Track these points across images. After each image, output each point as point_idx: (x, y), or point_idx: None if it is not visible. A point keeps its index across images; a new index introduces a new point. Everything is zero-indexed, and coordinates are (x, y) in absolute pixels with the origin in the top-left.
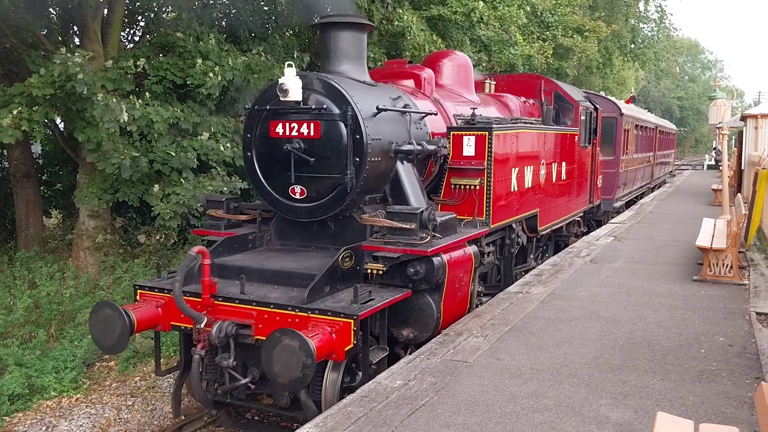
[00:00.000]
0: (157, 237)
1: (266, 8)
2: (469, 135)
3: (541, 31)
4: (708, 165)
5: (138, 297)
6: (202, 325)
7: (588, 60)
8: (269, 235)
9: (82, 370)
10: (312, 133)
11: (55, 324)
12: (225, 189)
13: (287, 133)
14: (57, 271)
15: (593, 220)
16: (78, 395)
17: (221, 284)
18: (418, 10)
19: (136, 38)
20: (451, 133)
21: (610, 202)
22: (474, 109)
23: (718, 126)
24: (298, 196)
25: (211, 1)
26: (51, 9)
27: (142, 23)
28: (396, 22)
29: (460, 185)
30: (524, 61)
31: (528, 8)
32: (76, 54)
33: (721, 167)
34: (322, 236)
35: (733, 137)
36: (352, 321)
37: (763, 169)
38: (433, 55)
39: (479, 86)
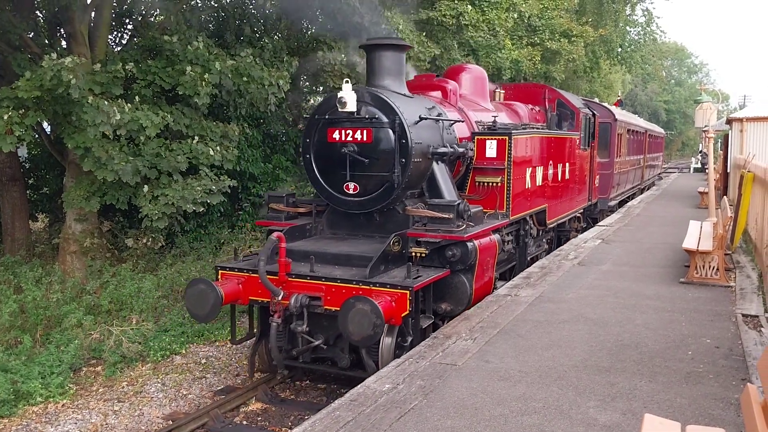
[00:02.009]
0: (145, 241)
1: (254, 11)
2: (492, 139)
3: (528, 36)
4: (694, 168)
5: (219, 276)
6: (280, 298)
7: (575, 64)
8: (321, 225)
9: (69, 375)
10: (365, 139)
11: (41, 329)
12: (214, 188)
13: (343, 139)
14: (43, 275)
15: (590, 217)
16: (64, 401)
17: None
18: (406, 14)
19: (124, 41)
20: (476, 137)
21: (606, 200)
22: (495, 117)
23: (704, 129)
24: (351, 192)
25: (199, 4)
26: (37, 11)
27: (129, 26)
28: (384, 25)
29: (483, 182)
30: (512, 65)
31: (515, 14)
32: (68, 59)
33: (707, 170)
34: (368, 226)
35: (719, 140)
36: (408, 292)
37: (749, 172)
38: (452, 69)
39: (490, 95)
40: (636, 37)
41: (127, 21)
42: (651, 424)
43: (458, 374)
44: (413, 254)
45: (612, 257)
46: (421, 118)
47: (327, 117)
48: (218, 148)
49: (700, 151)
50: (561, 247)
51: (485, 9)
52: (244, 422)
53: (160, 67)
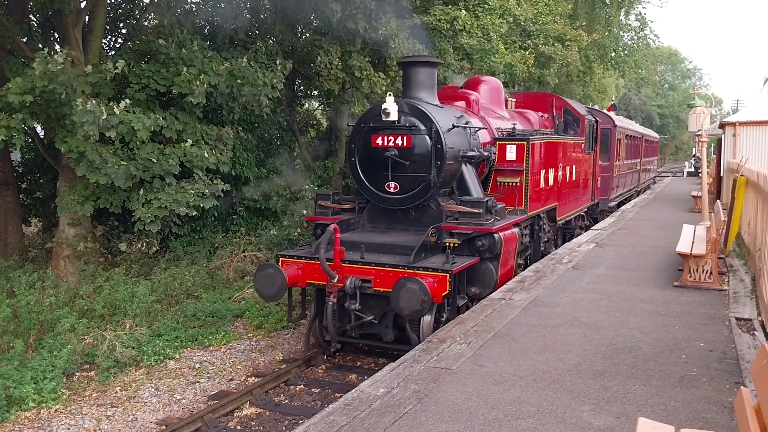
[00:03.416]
0: (139, 245)
1: (249, 16)
2: (511, 144)
3: (522, 40)
4: (688, 172)
5: (280, 263)
6: (336, 281)
7: (569, 68)
8: (362, 220)
9: (62, 380)
10: (404, 144)
11: (34, 334)
12: (207, 192)
13: (385, 144)
14: (37, 280)
15: (591, 216)
16: (57, 406)
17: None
18: (400, 19)
19: (118, 45)
20: (498, 142)
21: (606, 201)
22: (515, 124)
23: (697, 133)
24: (392, 190)
25: (193, 9)
26: (31, 15)
27: (123, 30)
28: (381, 30)
29: (504, 182)
30: (505, 69)
31: (510, 18)
32: (57, 54)
33: (700, 174)
34: (404, 220)
35: (712, 145)
36: (448, 274)
37: (742, 176)
38: (471, 80)
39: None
40: (629, 42)
41: (121, 25)
42: (645, 427)
43: (453, 378)
44: (447, 244)
45: (606, 261)
46: (453, 126)
47: (371, 125)
48: (213, 151)
49: (694, 155)
50: (555, 251)
51: (479, 14)
52: (238, 427)
53: (154, 71)
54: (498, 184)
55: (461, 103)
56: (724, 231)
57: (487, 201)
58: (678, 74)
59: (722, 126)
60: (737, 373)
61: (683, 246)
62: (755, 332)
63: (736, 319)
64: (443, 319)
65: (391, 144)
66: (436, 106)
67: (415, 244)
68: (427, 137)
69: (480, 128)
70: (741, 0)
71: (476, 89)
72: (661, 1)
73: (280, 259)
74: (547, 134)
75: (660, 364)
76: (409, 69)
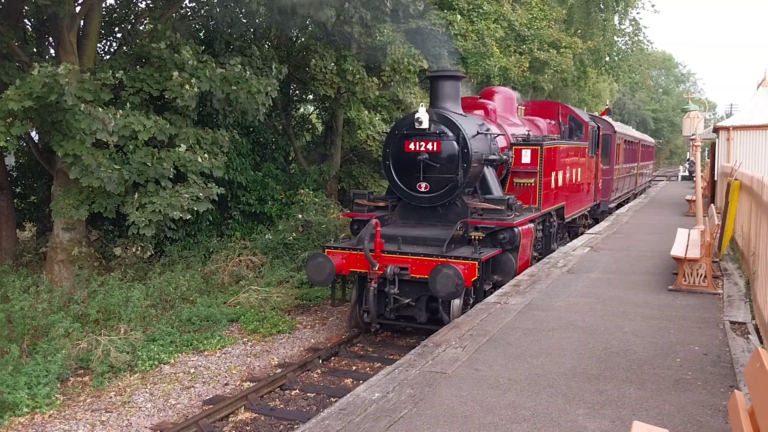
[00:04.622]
0: (134, 249)
1: (245, 20)
2: (526, 149)
3: (517, 45)
4: (682, 176)
5: (325, 253)
6: (376, 269)
7: (564, 74)
8: (394, 216)
9: (56, 385)
10: (435, 149)
11: (28, 339)
12: (201, 195)
13: (417, 149)
14: (31, 284)
15: (593, 216)
16: (51, 411)
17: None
18: (396, 23)
19: (113, 49)
20: (514, 147)
21: (606, 202)
22: (529, 131)
23: (691, 138)
24: (423, 190)
25: (188, 13)
26: (26, 20)
27: (118, 35)
28: (378, 37)
29: (520, 183)
30: (500, 74)
31: (505, 23)
32: (61, 67)
33: (694, 178)
34: (432, 216)
35: (706, 149)
36: (477, 262)
37: (736, 180)
38: (486, 90)
39: None
40: (623, 47)
41: (116, 30)
42: (640, 431)
43: (448, 382)
44: (472, 237)
45: (601, 265)
46: (477, 133)
47: (405, 132)
48: (206, 155)
49: (688, 160)
50: (550, 255)
51: (474, 19)
52: (234, 431)
53: (148, 75)
54: (514, 184)
55: (480, 112)
56: (718, 235)
57: (509, 199)
58: (672, 79)
59: (716, 130)
60: (731, 376)
61: (678, 250)
62: (749, 336)
63: (731, 322)
64: (471, 302)
65: (422, 149)
66: (461, 115)
67: (444, 237)
68: (454, 143)
69: (498, 134)
70: (734, 5)
71: (491, 98)
72: (655, 6)
73: (326, 249)
74: (555, 140)
75: (655, 367)
76: (436, 82)
